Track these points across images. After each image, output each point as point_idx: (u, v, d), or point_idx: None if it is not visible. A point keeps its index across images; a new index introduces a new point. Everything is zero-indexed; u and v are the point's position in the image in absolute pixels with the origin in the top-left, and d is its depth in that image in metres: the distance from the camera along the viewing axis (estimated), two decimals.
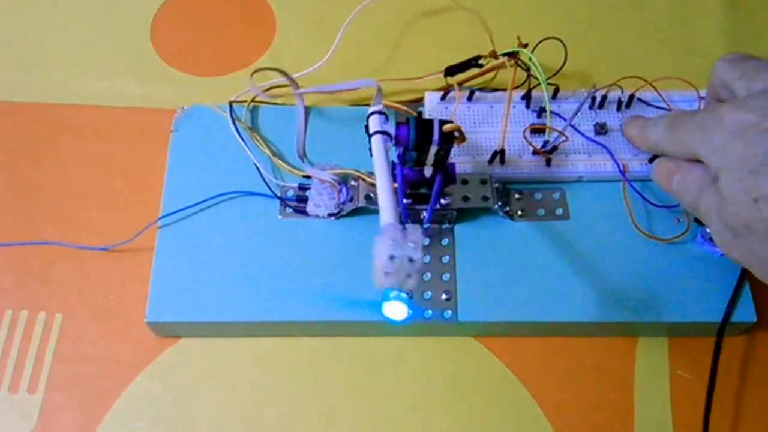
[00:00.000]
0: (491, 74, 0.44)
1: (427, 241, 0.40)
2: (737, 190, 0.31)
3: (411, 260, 0.29)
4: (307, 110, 0.43)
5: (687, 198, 0.35)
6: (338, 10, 0.49)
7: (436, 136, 0.34)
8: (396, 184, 0.38)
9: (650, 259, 0.39)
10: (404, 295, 0.30)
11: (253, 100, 0.43)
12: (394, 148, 0.37)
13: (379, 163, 0.33)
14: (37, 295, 0.40)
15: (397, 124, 0.35)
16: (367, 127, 0.36)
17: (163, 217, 0.40)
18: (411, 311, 0.31)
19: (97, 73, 0.47)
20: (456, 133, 0.35)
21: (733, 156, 0.31)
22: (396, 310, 0.31)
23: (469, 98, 0.43)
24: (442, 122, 0.35)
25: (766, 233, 0.30)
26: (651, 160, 0.40)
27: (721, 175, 0.32)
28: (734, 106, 0.32)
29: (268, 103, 0.44)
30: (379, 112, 0.36)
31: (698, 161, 0.34)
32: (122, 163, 0.44)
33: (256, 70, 0.41)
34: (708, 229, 0.35)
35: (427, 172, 0.36)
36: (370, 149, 0.35)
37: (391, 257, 0.28)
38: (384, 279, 0.29)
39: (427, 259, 0.39)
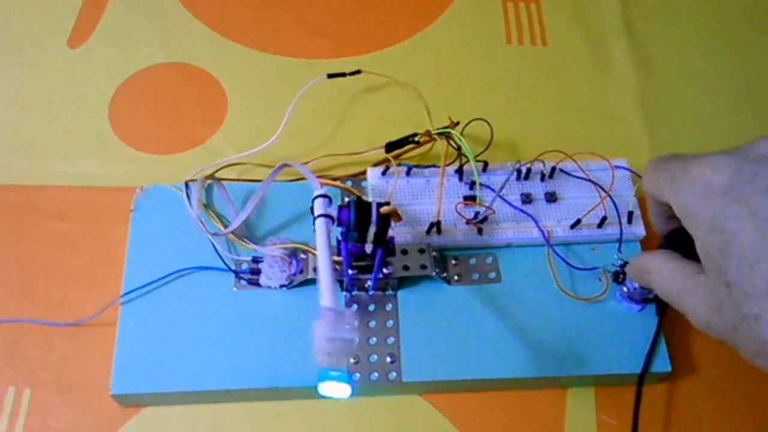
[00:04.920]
0: (428, 146, 0.49)
1: (372, 307, 0.43)
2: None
3: (348, 341, 0.32)
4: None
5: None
6: (285, 89, 0.53)
7: (374, 218, 0.38)
8: (340, 258, 0.41)
9: (575, 317, 0.43)
10: (344, 374, 0.33)
11: (207, 177, 0.47)
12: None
13: (321, 246, 0.36)
14: (6, 371, 0.42)
15: (339, 208, 0.39)
16: (312, 209, 0.39)
17: (124, 294, 0.42)
18: (351, 388, 0.34)
19: (59, 154, 0.50)
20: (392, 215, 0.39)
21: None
22: (337, 389, 0.34)
23: (408, 173, 0.47)
24: (380, 205, 0.38)
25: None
26: (573, 226, 0.44)
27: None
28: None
29: (221, 179, 0.47)
30: (323, 196, 0.39)
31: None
32: (84, 241, 0.47)
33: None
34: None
35: (368, 248, 0.40)
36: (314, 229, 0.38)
37: (330, 339, 0.32)
38: (324, 359, 0.32)
39: (373, 324, 0.43)
